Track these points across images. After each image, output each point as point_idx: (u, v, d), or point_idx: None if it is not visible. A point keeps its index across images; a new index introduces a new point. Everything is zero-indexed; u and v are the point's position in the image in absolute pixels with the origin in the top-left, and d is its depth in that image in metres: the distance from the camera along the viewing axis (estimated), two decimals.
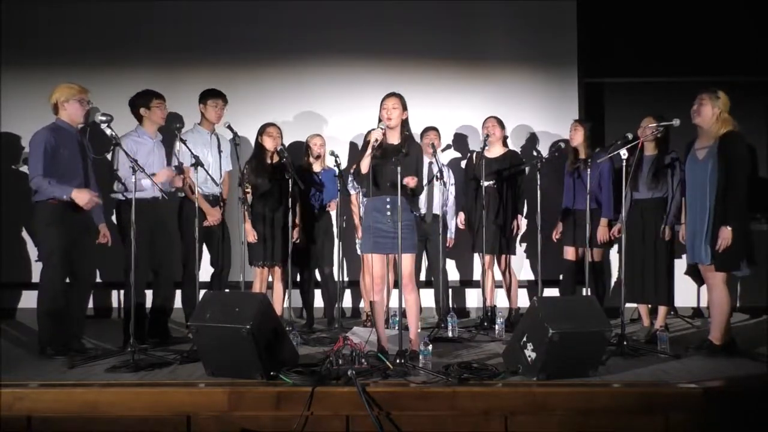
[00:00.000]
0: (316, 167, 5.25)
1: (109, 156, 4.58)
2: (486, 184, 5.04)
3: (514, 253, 5.30)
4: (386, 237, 3.88)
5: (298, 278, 5.37)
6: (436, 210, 5.13)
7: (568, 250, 5.11)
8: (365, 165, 3.88)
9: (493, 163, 5.14)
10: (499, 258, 5.25)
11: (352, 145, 5.87)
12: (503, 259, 5.25)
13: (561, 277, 5.20)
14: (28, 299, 5.65)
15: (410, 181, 3.80)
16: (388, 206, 3.90)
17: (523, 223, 5.23)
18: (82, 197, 4.08)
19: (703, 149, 4.13)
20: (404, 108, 3.97)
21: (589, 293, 4.69)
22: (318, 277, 5.43)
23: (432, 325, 5.02)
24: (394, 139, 3.99)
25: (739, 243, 4.00)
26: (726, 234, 3.98)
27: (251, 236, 4.81)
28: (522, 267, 5.78)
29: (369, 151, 3.86)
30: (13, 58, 5.75)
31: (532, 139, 5.91)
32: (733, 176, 4.00)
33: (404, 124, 4.01)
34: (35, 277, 5.57)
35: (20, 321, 5.58)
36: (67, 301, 4.21)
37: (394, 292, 4.53)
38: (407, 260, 3.95)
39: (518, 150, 5.61)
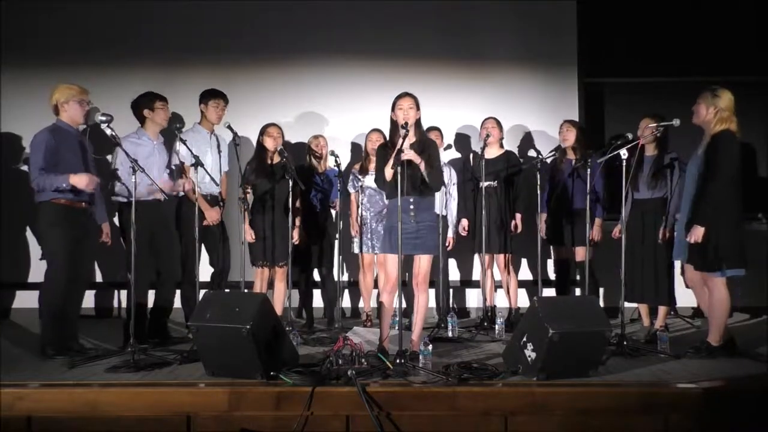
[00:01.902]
0: (320, 167, 5.25)
1: (110, 157, 4.58)
2: (484, 184, 5.05)
3: (514, 253, 5.30)
4: (408, 237, 3.89)
5: (299, 278, 5.37)
6: (438, 210, 5.12)
7: (557, 250, 5.12)
8: (389, 173, 3.87)
9: (491, 163, 5.14)
10: (500, 258, 5.25)
11: (354, 146, 5.87)
12: (503, 259, 5.25)
13: (554, 277, 5.22)
14: (24, 299, 5.66)
15: (414, 157, 3.81)
16: (411, 206, 3.90)
17: (519, 220, 5.22)
18: (81, 180, 4.03)
19: (700, 148, 4.13)
20: (418, 107, 3.96)
21: (583, 293, 4.71)
22: (317, 278, 5.44)
23: (432, 325, 5.02)
24: (410, 138, 3.96)
25: (716, 244, 3.94)
26: (696, 232, 3.94)
27: (249, 236, 4.82)
28: (523, 267, 5.81)
29: (393, 159, 3.82)
30: (14, 59, 5.75)
31: (532, 139, 5.91)
32: (711, 175, 3.95)
33: (418, 123, 4.00)
34: (32, 277, 5.62)
35: (15, 321, 5.58)
36: (68, 301, 4.21)
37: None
38: (426, 261, 3.99)
39: (517, 149, 5.61)
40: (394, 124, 4.00)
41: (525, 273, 5.81)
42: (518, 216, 5.19)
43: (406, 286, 4.59)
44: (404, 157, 3.79)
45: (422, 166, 3.86)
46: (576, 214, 4.97)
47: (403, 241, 3.83)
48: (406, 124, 3.84)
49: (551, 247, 5.21)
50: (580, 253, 4.95)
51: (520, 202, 5.24)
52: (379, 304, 4.08)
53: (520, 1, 5.94)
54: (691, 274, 4.19)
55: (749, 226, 5.38)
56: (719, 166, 3.94)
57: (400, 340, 3.74)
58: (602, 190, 4.96)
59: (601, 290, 5.05)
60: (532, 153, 5.30)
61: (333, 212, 5.27)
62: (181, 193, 4.77)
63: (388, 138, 4.14)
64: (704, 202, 3.96)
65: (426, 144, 4.02)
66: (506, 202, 5.17)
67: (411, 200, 3.90)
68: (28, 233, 5.62)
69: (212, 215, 4.81)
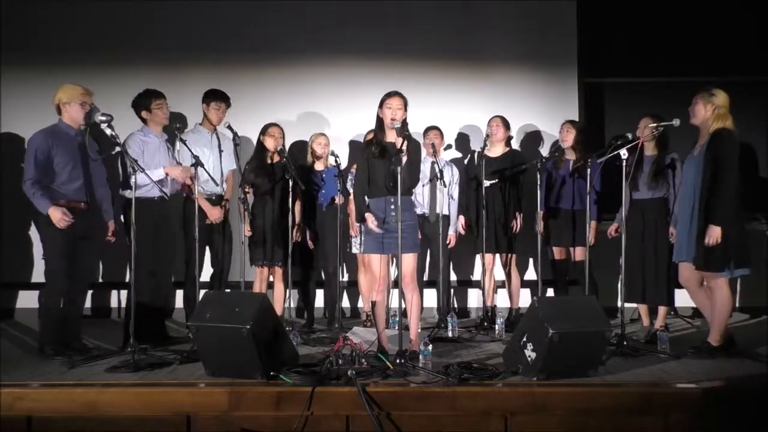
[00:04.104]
0: (319, 166, 5.25)
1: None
2: (487, 183, 5.05)
3: (519, 252, 5.31)
4: (390, 237, 3.88)
5: (300, 278, 5.36)
6: (440, 209, 5.13)
7: (555, 250, 5.14)
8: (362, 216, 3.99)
9: (495, 162, 5.15)
10: (503, 257, 5.25)
11: (354, 144, 5.87)
12: (505, 258, 5.25)
13: (552, 278, 5.24)
14: (27, 299, 5.66)
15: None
16: (392, 206, 3.90)
17: (520, 220, 5.23)
18: (55, 215, 4.05)
19: (699, 147, 4.14)
20: (406, 108, 3.97)
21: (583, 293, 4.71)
22: (319, 277, 5.44)
23: (432, 325, 5.02)
24: (393, 137, 3.97)
25: (724, 244, 3.95)
26: (714, 233, 3.94)
27: (246, 230, 4.83)
28: (528, 267, 5.81)
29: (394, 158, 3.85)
30: (14, 58, 5.75)
31: (532, 139, 5.91)
32: (717, 174, 3.96)
33: (403, 123, 4.00)
34: (34, 277, 5.61)
35: (19, 321, 5.58)
36: (69, 301, 4.22)
37: (394, 292, 4.53)
38: (410, 260, 3.96)
39: (521, 149, 5.60)
40: (380, 122, 4.01)
41: (531, 273, 5.82)
42: (519, 215, 5.19)
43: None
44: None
45: (404, 159, 3.82)
46: (574, 214, 4.98)
47: (387, 240, 3.84)
48: (405, 124, 3.84)
49: (550, 247, 5.20)
50: (579, 254, 4.96)
51: (522, 201, 5.24)
52: (373, 304, 4.09)
53: (520, 1, 5.95)
54: (688, 274, 4.19)
55: (749, 226, 5.38)
56: (726, 162, 3.96)
57: (399, 340, 3.74)
58: (596, 194, 4.94)
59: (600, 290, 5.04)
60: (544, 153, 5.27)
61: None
62: (184, 194, 4.77)
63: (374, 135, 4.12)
64: (718, 201, 3.96)
65: (410, 143, 3.97)
66: (510, 201, 5.17)
67: (392, 200, 3.89)
68: (30, 233, 5.62)
69: (214, 214, 4.81)
